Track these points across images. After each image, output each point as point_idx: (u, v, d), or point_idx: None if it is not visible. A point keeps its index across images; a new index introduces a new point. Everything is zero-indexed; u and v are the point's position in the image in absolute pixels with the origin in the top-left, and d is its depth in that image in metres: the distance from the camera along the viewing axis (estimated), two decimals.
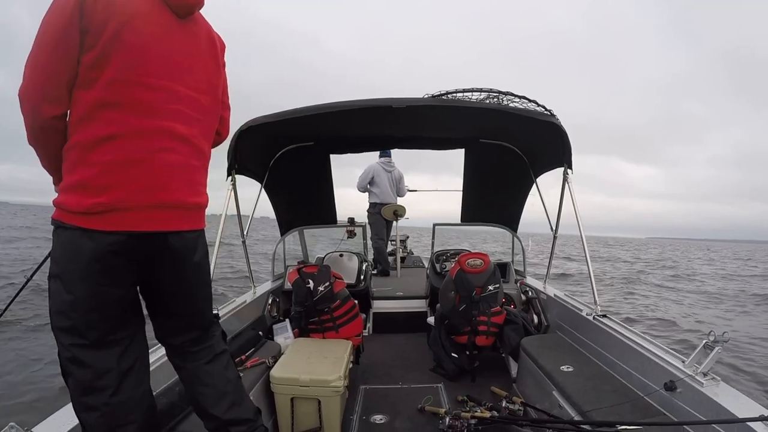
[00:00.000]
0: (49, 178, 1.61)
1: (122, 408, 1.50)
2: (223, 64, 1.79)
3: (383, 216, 6.88)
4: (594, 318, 2.96)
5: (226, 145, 3.36)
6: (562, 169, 3.53)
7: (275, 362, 2.88)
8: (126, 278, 1.52)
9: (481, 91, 3.11)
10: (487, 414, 2.51)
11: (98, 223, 1.41)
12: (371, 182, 6.96)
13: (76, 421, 1.64)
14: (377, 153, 7.05)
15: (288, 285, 3.91)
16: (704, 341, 2.04)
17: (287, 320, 3.67)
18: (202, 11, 1.68)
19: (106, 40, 1.37)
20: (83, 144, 1.41)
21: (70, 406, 1.77)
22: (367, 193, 7.09)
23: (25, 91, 1.39)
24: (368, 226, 6.95)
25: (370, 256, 6.42)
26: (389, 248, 7.61)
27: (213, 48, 1.71)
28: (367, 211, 7.06)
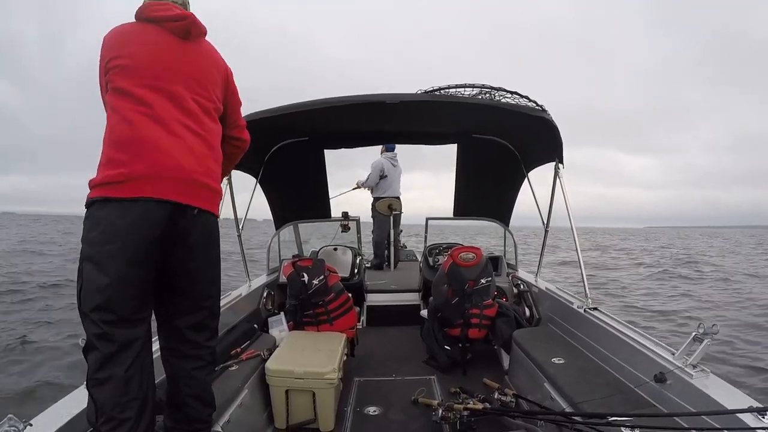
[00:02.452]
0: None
1: (131, 383, 1.59)
2: (231, 87, 2.05)
3: (378, 210, 6.89)
4: (585, 311, 2.99)
5: None
6: (554, 163, 3.55)
7: (270, 355, 2.90)
8: (153, 256, 1.66)
9: (473, 86, 3.12)
10: (480, 406, 2.54)
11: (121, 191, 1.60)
12: (380, 177, 6.97)
13: (75, 412, 1.67)
14: (377, 148, 7.06)
15: (283, 278, 3.92)
16: (693, 333, 2.06)
17: (282, 313, 3.69)
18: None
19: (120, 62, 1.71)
20: None
21: (68, 397, 1.79)
22: (369, 190, 7.12)
23: None
24: (372, 220, 6.98)
25: (364, 250, 6.44)
26: (401, 242, 7.70)
27: (217, 66, 1.95)
28: (372, 204, 7.06)
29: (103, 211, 1.59)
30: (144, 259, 1.62)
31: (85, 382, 1.60)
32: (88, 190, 1.64)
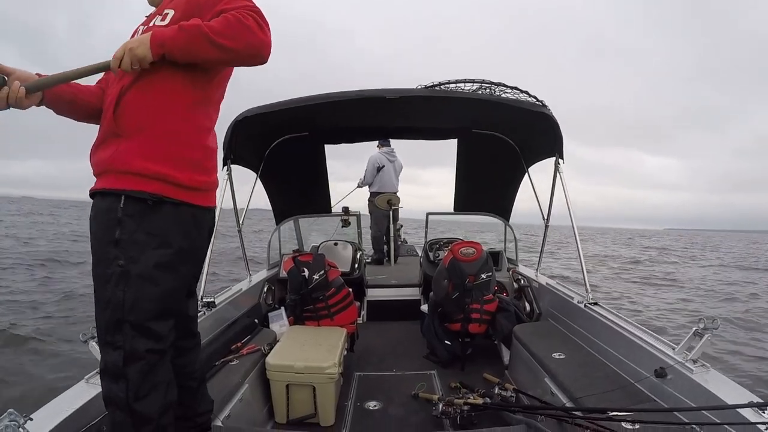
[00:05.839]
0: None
1: (171, 386, 1.56)
2: None
3: (377, 205, 6.89)
4: (585, 306, 2.99)
5: (221, 135, 3.37)
6: (554, 159, 3.55)
7: (270, 349, 2.91)
8: None
9: (473, 82, 3.12)
10: (480, 400, 2.54)
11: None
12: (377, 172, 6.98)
13: (75, 407, 1.67)
14: (374, 143, 7.06)
15: (283, 273, 3.93)
16: (694, 328, 2.07)
17: (282, 308, 3.68)
18: None
19: None
20: None
21: (69, 392, 1.79)
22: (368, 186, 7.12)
23: None
24: (369, 215, 6.97)
25: (365, 245, 6.45)
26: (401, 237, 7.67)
27: None
28: (369, 200, 7.07)
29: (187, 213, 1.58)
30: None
31: (108, 395, 1.46)
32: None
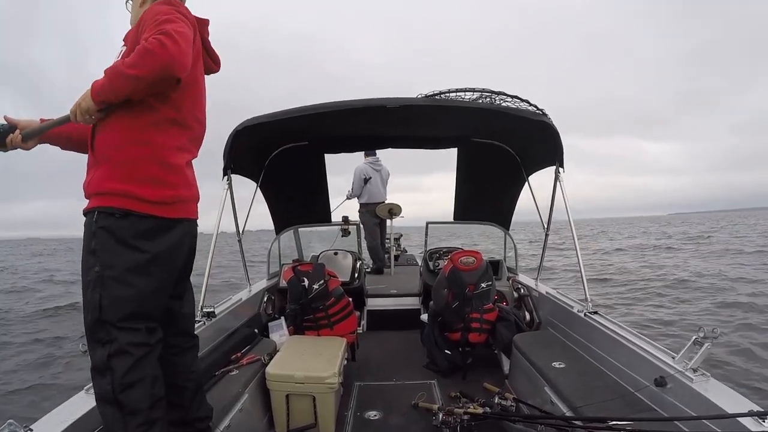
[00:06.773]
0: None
1: (157, 382, 1.64)
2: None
3: (378, 215, 6.89)
4: (585, 315, 2.98)
5: (222, 144, 3.38)
6: (554, 168, 3.55)
7: (270, 359, 2.91)
8: None
9: (474, 90, 3.13)
10: (480, 410, 2.53)
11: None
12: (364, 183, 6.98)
13: (75, 417, 1.67)
14: (362, 154, 7.07)
15: (283, 283, 3.92)
16: (694, 337, 2.06)
17: (282, 318, 3.69)
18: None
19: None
20: None
21: (68, 402, 1.79)
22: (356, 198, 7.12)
23: None
24: (363, 226, 6.98)
25: (365, 255, 6.45)
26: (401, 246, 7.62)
27: None
28: (359, 211, 7.07)
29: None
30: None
31: (98, 391, 1.56)
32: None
